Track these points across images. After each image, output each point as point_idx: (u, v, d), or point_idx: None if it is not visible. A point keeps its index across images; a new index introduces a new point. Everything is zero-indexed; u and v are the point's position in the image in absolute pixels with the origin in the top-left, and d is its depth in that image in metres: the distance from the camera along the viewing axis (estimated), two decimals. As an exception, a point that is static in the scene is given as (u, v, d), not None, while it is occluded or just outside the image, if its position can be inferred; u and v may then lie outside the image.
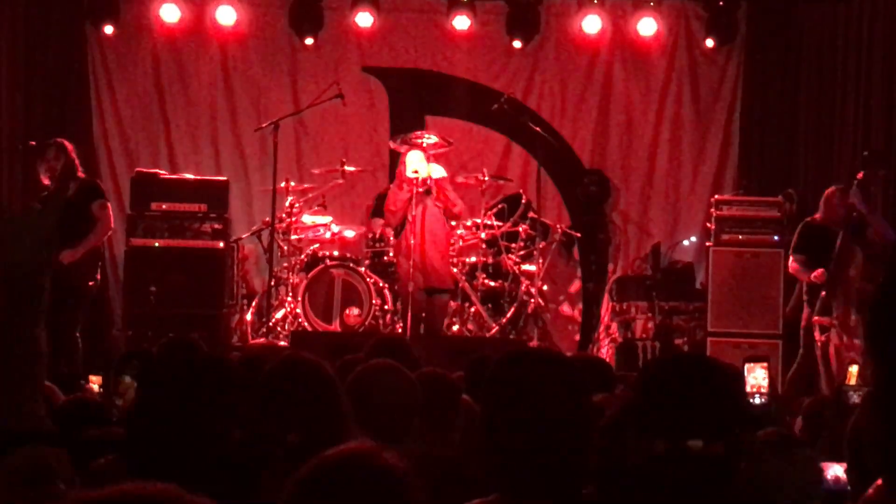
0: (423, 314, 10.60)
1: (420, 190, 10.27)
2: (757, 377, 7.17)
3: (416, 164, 10.36)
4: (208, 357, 5.34)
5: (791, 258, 10.27)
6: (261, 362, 5.13)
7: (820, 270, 9.75)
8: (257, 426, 2.84)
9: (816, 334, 9.69)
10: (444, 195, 10.66)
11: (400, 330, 10.76)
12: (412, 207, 10.24)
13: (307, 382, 3.58)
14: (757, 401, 7.04)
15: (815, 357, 9.72)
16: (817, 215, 10.18)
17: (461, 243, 11.48)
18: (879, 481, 2.67)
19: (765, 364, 7.34)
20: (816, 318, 9.65)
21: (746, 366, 7.29)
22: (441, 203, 10.61)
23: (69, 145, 9.90)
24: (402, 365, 4.33)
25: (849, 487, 3.48)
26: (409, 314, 10.32)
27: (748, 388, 7.04)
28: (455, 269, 11.27)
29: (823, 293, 9.69)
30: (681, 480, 2.63)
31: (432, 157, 10.68)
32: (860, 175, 9.72)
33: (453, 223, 11.06)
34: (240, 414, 2.75)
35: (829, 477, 3.67)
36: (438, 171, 10.70)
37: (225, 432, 2.65)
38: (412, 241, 10.21)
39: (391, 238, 11.19)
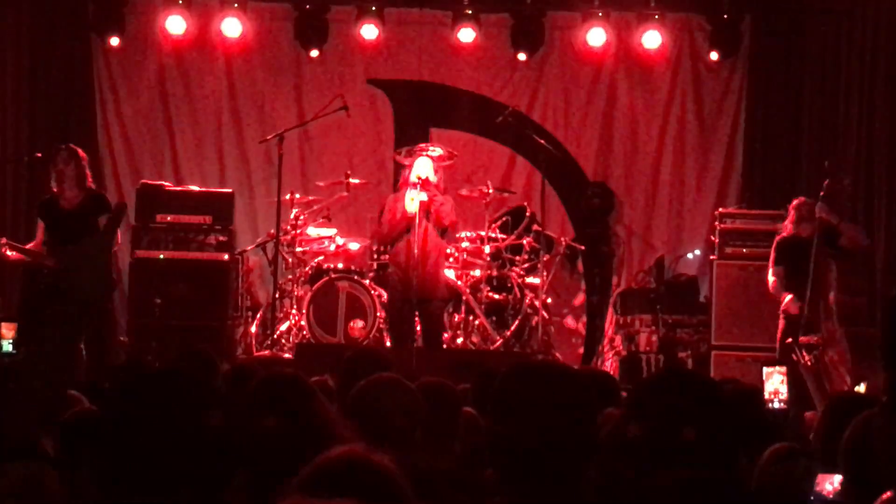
0: (421, 325, 10.57)
1: (417, 189, 10.21)
2: (775, 382, 7.18)
3: (423, 171, 10.36)
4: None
5: (770, 273, 10.18)
6: (250, 373, 5.14)
7: (789, 298, 9.74)
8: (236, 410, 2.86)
9: (804, 354, 9.55)
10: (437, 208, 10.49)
11: (388, 342, 10.76)
12: (417, 218, 10.20)
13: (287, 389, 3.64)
14: (775, 405, 7.05)
15: (800, 375, 9.56)
16: (789, 229, 10.08)
17: (465, 256, 11.48)
18: (887, 494, 2.66)
19: (783, 369, 7.34)
20: (802, 338, 9.56)
21: (765, 370, 7.30)
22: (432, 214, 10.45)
23: (82, 153, 9.91)
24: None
25: (843, 499, 3.49)
26: (402, 325, 10.33)
27: (766, 394, 7.05)
28: (459, 283, 11.26)
29: (807, 313, 9.59)
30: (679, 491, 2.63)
31: (441, 170, 10.67)
32: (826, 184, 9.71)
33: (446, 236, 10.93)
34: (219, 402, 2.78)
35: (826, 488, 3.68)
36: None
37: (203, 418, 2.68)
38: (414, 251, 10.16)
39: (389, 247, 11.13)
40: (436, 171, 10.51)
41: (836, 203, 9.71)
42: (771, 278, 10.14)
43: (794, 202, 10.17)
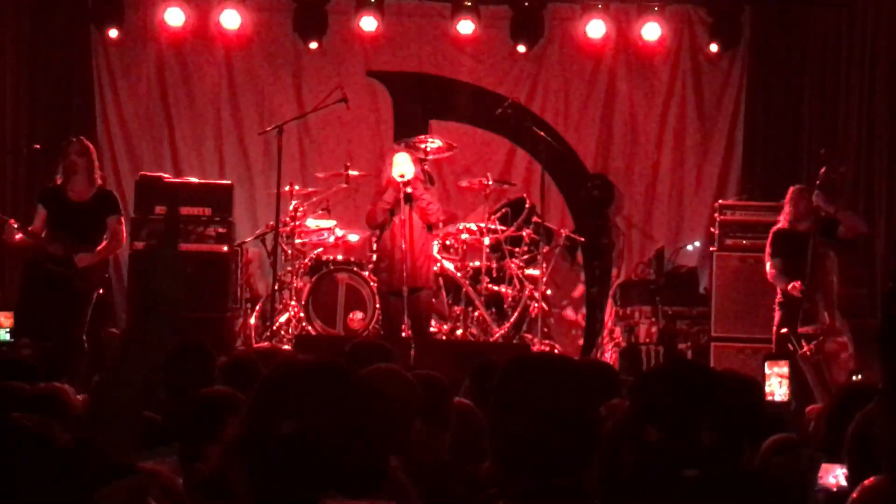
0: (408, 314, 10.53)
1: (407, 191, 10.23)
2: (777, 376, 7.20)
3: (403, 167, 10.34)
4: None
5: (768, 265, 10.17)
6: (253, 365, 5.13)
7: (797, 282, 9.66)
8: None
9: (803, 344, 9.50)
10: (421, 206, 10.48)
11: (383, 332, 10.75)
12: (399, 210, 10.23)
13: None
14: (777, 398, 7.06)
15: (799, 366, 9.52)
16: (784, 222, 10.09)
17: (465, 247, 11.48)
18: (868, 482, 2.66)
19: (785, 362, 7.35)
20: (801, 328, 9.51)
21: (767, 363, 7.31)
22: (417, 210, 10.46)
23: (91, 146, 9.94)
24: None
25: (848, 488, 3.48)
26: (399, 315, 10.32)
27: (767, 386, 7.06)
28: (458, 274, 11.27)
29: (805, 303, 9.55)
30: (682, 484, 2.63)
31: (418, 161, 10.64)
32: (822, 172, 9.65)
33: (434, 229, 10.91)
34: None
35: (830, 479, 3.67)
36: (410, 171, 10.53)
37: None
38: (402, 244, 10.17)
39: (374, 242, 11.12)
40: (415, 162, 10.48)
41: (833, 191, 9.66)
42: (769, 270, 10.13)
43: (791, 191, 10.13)
